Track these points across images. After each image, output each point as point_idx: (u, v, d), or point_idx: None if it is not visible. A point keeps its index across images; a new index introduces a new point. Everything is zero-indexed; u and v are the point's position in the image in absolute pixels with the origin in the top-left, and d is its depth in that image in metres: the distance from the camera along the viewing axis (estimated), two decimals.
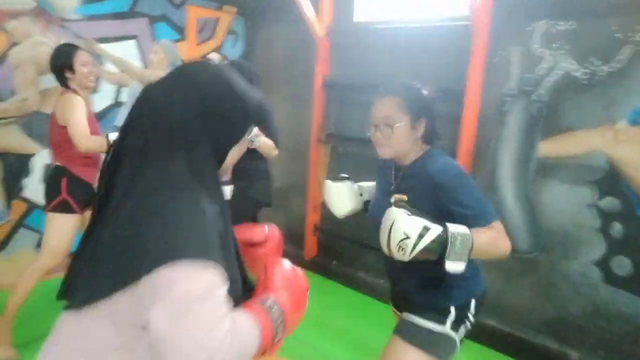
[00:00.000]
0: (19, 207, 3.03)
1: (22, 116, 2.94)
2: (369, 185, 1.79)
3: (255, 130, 2.90)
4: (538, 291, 2.70)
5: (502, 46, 2.69)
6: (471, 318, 1.53)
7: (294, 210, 4.03)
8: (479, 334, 2.58)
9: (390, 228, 1.24)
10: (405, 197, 1.47)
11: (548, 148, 2.60)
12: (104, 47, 3.15)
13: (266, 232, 1.35)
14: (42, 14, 2.90)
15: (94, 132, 2.33)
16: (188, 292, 0.70)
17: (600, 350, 2.49)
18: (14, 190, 3.00)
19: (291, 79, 3.95)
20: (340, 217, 1.72)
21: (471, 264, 1.38)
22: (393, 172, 1.57)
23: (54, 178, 2.39)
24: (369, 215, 1.64)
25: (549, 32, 2.53)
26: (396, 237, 1.23)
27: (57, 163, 2.40)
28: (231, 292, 0.79)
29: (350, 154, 3.54)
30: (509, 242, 1.34)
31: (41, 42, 2.91)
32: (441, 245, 1.23)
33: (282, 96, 3.97)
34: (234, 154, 0.91)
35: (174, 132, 0.79)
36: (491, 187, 2.79)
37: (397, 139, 1.46)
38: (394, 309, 1.75)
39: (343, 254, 3.71)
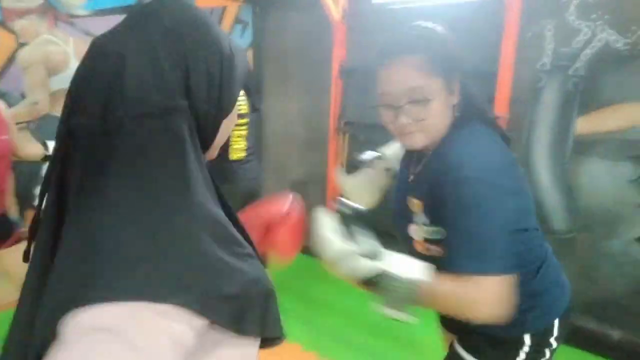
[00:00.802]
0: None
1: (32, 120, 2.80)
2: (396, 150, 1.35)
3: None
4: (577, 271, 2.63)
5: (536, 20, 2.58)
6: (554, 343, 1.10)
7: (312, 202, 3.93)
8: None
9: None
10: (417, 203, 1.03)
11: (586, 124, 2.51)
12: None
13: (287, 206, 1.02)
14: (50, 10, 2.75)
15: None
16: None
17: None
18: (26, 200, 2.85)
19: (305, 67, 3.82)
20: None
21: (544, 271, 1.06)
22: (414, 160, 1.11)
23: None
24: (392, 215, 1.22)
25: (586, 2, 2.43)
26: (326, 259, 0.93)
27: None
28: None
29: (372, 142, 3.44)
30: (496, 308, 0.86)
31: (50, 41, 2.77)
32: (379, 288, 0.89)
33: (296, 86, 3.86)
34: (226, 129, 0.65)
35: (144, 97, 0.53)
36: (525, 167, 2.71)
37: (435, 118, 0.96)
38: (441, 328, 1.32)
39: None
